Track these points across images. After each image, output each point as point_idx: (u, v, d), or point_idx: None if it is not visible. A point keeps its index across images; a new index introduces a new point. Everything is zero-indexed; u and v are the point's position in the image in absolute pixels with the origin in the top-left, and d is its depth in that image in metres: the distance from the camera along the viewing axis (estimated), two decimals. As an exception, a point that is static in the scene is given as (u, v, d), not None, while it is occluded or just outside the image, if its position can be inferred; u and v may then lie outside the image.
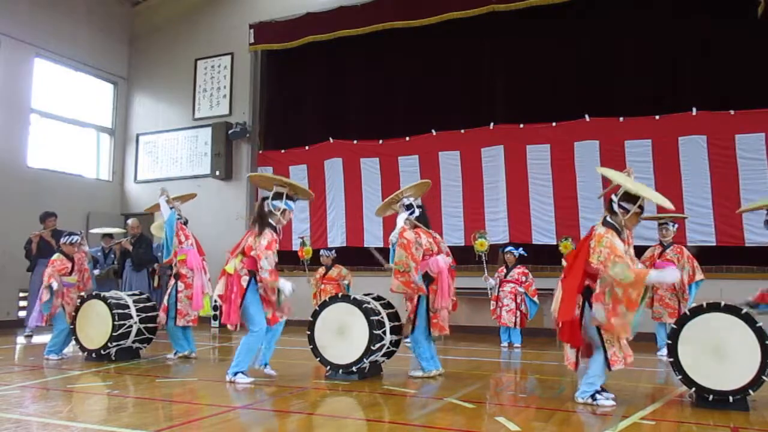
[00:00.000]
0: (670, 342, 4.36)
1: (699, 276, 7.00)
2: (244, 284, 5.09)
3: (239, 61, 12.51)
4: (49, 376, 5.64)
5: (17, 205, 10.68)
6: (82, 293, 6.85)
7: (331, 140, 11.48)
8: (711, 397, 4.18)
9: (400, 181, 10.40)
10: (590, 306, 4.28)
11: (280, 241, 5.25)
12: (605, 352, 4.26)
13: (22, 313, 9.92)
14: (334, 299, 5.50)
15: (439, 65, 10.92)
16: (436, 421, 3.92)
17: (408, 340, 5.72)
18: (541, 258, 9.39)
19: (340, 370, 5.25)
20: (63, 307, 6.73)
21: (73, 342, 6.61)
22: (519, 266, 8.41)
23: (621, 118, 9.47)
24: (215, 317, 11.12)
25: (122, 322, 6.38)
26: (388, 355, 5.62)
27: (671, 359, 4.34)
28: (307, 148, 11.77)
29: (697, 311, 4.35)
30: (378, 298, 5.69)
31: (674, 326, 4.40)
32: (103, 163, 13.23)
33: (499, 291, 8.34)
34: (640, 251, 6.33)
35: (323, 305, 5.47)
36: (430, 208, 9.86)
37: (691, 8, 9.27)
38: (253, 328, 5.14)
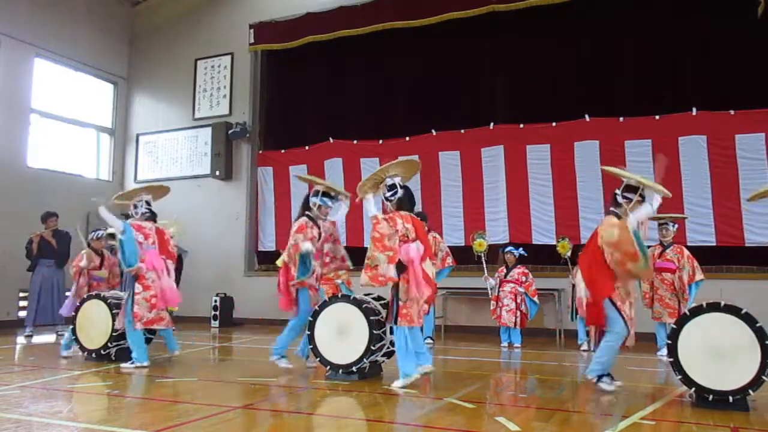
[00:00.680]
0: (670, 342, 4.36)
1: (699, 276, 6.99)
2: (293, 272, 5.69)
3: (239, 61, 12.51)
4: (49, 376, 5.64)
5: (17, 205, 10.68)
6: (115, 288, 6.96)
7: (331, 140, 11.49)
8: (711, 397, 4.18)
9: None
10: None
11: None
12: (627, 328, 4.67)
13: (22, 313, 9.91)
14: (334, 299, 5.50)
15: (439, 65, 10.92)
16: (436, 421, 3.92)
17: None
18: (541, 258, 9.39)
19: (340, 370, 5.25)
20: None
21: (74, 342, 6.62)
22: (519, 266, 8.40)
23: (621, 118, 9.47)
24: (215, 317, 11.14)
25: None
26: (388, 355, 5.60)
27: (671, 359, 4.34)
28: (307, 148, 11.77)
29: (697, 311, 4.35)
30: (378, 298, 5.68)
31: (674, 326, 4.40)
32: (103, 163, 13.23)
33: (499, 291, 8.34)
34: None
35: (323, 305, 5.46)
36: (431, 208, 9.91)
37: (691, 8, 9.27)
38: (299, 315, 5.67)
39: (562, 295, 9.09)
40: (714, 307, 4.29)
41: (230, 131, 12.06)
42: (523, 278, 8.31)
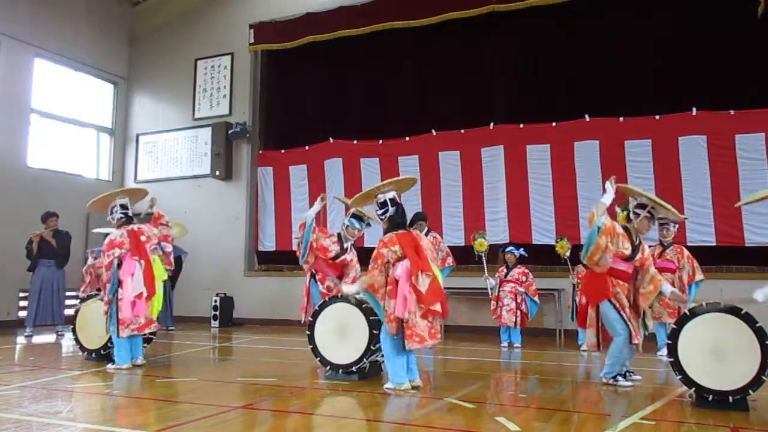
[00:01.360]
0: (670, 342, 4.36)
1: (699, 276, 6.99)
2: (307, 283, 6.33)
3: (239, 61, 12.51)
4: (49, 376, 5.64)
5: (17, 205, 10.68)
6: None
7: (331, 140, 11.48)
8: (711, 397, 4.18)
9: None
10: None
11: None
12: (629, 328, 4.89)
13: (23, 313, 9.91)
14: (334, 299, 5.50)
15: (439, 65, 10.91)
16: (436, 421, 3.92)
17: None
18: (541, 258, 9.38)
19: (340, 370, 5.25)
20: None
21: (73, 342, 6.62)
22: (519, 266, 8.40)
23: (621, 118, 9.47)
24: (215, 317, 11.14)
25: (122, 322, 6.36)
26: (388, 355, 5.60)
27: (671, 359, 4.34)
28: (307, 148, 11.76)
29: (697, 311, 4.35)
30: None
31: (674, 326, 4.41)
32: (103, 163, 13.23)
33: (499, 291, 8.34)
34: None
35: (323, 305, 5.46)
36: (431, 208, 9.91)
37: (691, 8, 9.27)
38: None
39: (562, 295, 9.09)
40: (714, 307, 4.29)
41: (230, 131, 12.06)
42: (524, 278, 8.31)
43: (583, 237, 8.74)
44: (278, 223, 11.88)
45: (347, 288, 5.14)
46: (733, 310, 4.21)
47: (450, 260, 7.88)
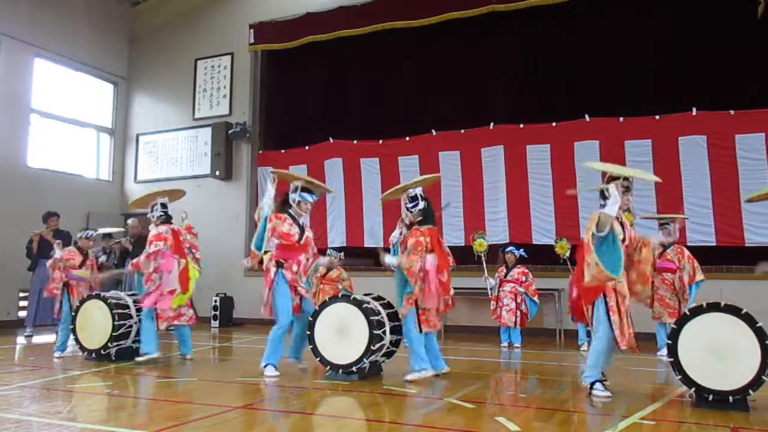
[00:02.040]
0: (670, 342, 4.36)
1: (699, 276, 6.98)
2: (272, 275, 5.53)
3: (239, 61, 12.51)
4: (49, 376, 5.64)
5: (17, 205, 10.68)
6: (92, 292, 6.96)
7: (331, 140, 11.48)
8: (711, 397, 4.17)
9: (400, 181, 10.37)
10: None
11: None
12: (612, 331, 4.49)
13: (22, 313, 9.91)
14: (334, 299, 5.50)
15: (439, 65, 10.91)
16: (436, 421, 3.92)
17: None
18: (541, 258, 9.38)
19: (340, 370, 5.25)
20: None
21: (72, 342, 6.62)
22: (519, 266, 8.40)
23: (621, 118, 9.46)
24: (215, 317, 11.14)
25: (122, 322, 6.38)
26: (388, 355, 5.61)
27: (671, 359, 4.34)
28: (307, 148, 11.76)
29: (697, 311, 4.35)
30: (378, 298, 5.68)
31: (674, 326, 4.40)
32: (103, 163, 13.23)
33: (499, 291, 8.34)
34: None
35: (323, 305, 5.46)
36: (430, 208, 9.90)
37: (691, 8, 9.27)
38: (277, 322, 5.55)
39: (562, 295, 9.08)
40: (714, 307, 4.28)
41: (230, 131, 12.06)
42: (523, 278, 8.31)
43: (582, 237, 8.74)
44: (278, 223, 11.85)
45: (390, 259, 5.50)
46: (733, 310, 4.21)
47: (450, 260, 7.86)
